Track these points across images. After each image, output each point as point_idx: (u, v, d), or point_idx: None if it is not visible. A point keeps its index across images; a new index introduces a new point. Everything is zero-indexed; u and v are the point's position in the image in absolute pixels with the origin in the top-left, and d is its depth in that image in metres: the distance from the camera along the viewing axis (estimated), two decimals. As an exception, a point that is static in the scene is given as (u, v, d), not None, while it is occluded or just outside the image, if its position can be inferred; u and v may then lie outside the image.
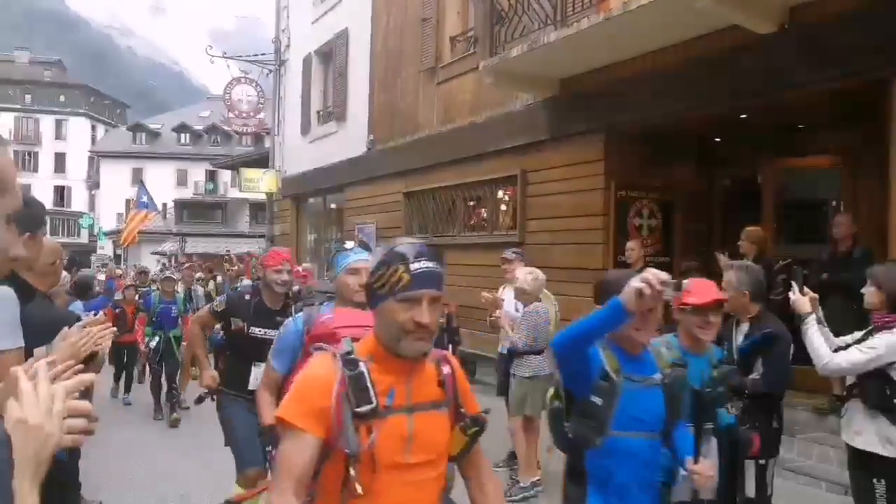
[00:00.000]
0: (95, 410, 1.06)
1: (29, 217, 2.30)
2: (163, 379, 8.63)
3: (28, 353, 2.05)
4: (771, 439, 3.77)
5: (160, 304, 8.85)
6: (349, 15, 13.45)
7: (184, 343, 8.75)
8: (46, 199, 47.97)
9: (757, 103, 6.41)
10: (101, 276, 16.91)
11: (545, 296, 5.90)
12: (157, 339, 8.66)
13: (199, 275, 14.33)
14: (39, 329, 2.21)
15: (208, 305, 4.57)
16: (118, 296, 10.49)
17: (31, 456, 0.92)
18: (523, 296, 5.56)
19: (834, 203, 7.63)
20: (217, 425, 4.20)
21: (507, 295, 6.02)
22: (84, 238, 52.93)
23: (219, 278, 14.74)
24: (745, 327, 3.85)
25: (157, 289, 9.82)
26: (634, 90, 7.09)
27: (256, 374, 3.84)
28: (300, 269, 9.82)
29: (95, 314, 2.84)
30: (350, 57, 13.41)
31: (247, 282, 6.90)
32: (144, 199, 21.00)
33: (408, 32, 11.42)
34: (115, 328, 2.54)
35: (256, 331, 3.98)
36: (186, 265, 11.27)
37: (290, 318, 2.99)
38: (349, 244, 3.06)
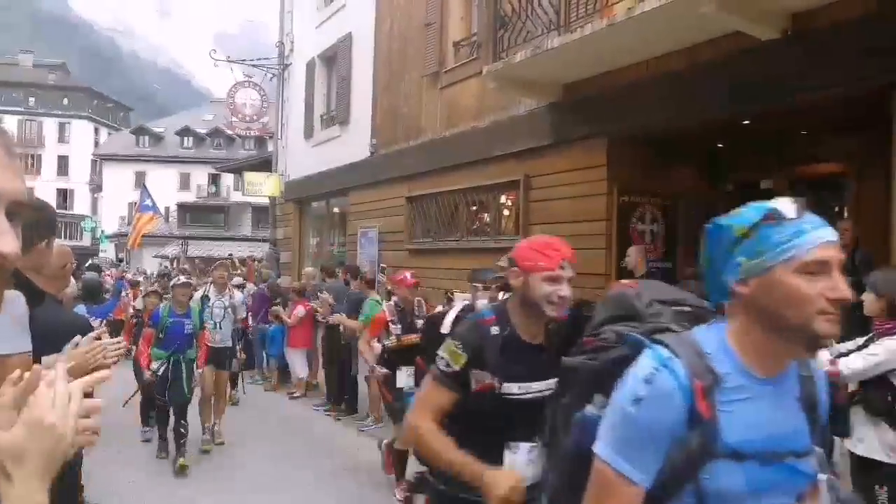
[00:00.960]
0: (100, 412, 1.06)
1: (45, 223, 2.33)
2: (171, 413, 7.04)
3: (37, 357, 2.06)
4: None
5: (170, 318, 6.99)
6: (353, 19, 13.49)
7: (200, 369, 7.20)
8: (49, 201, 47.81)
9: (760, 109, 6.43)
10: (109, 279, 16.87)
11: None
12: (166, 362, 6.91)
13: (237, 280, 11.65)
14: (48, 333, 2.22)
15: (434, 370, 2.48)
16: (138, 303, 9.06)
17: (43, 456, 0.93)
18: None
19: (837, 209, 7.65)
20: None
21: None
22: (87, 241, 53.03)
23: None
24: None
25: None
26: (637, 96, 7.11)
27: (512, 460, 2.31)
28: (407, 275, 6.70)
29: (103, 321, 2.86)
30: (353, 61, 13.45)
31: (483, 302, 4.18)
32: (148, 201, 21.03)
33: (411, 37, 11.45)
34: (126, 344, 2.53)
35: (515, 389, 2.39)
36: (215, 265, 9.58)
37: (652, 367, 1.42)
38: (784, 204, 1.42)
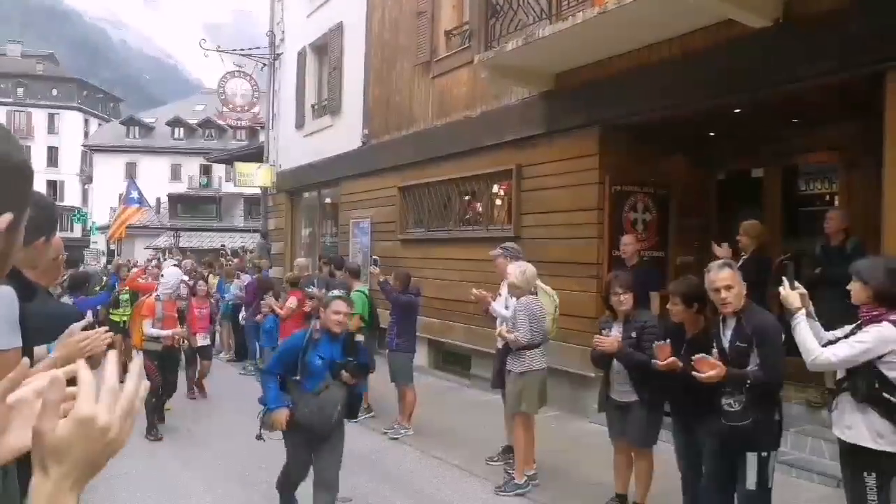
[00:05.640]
0: None
1: (46, 220, 2.30)
2: None
3: (28, 351, 2.04)
4: (773, 432, 3.80)
5: None
6: (344, 8, 13.41)
7: None
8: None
9: (751, 98, 6.43)
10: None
11: (543, 291, 5.92)
12: None
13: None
14: (40, 325, 2.20)
15: None
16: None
17: (85, 457, 0.83)
18: (515, 290, 5.58)
19: (827, 198, 7.67)
20: (210, 426, 4.07)
21: (503, 291, 6.06)
22: (77, 232, 52.74)
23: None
24: (731, 322, 3.87)
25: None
26: (629, 84, 7.10)
27: None
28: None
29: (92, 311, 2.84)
30: (345, 50, 13.37)
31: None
32: (134, 194, 20.93)
33: (403, 26, 11.39)
34: (111, 332, 2.50)
35: None
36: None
37: None
38: None
